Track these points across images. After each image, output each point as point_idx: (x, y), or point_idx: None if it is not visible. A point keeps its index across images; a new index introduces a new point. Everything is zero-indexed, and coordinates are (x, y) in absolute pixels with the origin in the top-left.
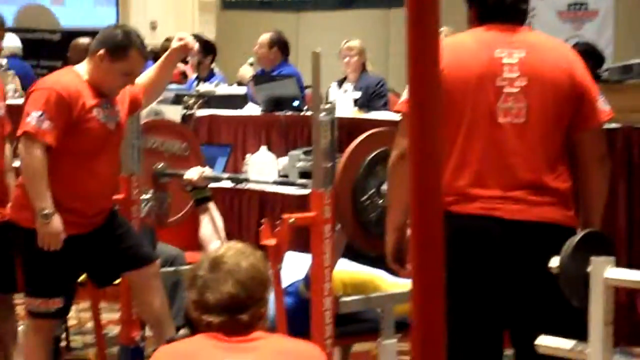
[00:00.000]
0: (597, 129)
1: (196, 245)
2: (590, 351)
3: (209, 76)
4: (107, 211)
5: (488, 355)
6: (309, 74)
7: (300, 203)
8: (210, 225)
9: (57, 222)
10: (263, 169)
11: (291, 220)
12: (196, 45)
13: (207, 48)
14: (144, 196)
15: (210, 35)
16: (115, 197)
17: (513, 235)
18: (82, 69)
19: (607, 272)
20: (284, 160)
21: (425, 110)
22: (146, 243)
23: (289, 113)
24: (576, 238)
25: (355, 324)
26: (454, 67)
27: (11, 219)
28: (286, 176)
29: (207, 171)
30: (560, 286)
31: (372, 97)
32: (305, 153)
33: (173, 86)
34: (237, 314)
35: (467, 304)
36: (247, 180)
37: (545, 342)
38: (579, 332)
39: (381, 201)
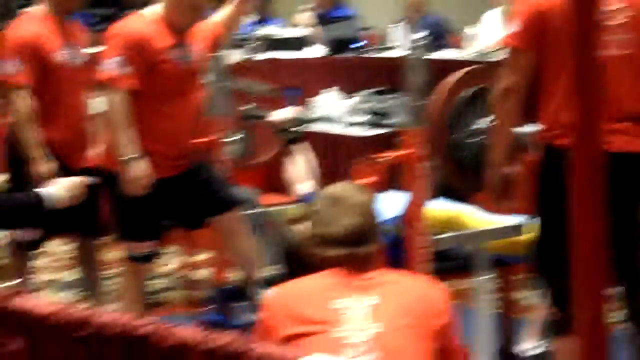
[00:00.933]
0: None
1: (270, 187)
2: None
3: (265, 19)
4: (190, 154)
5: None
6: (368, 16)
7: (369, 145)
8: (299, 166)
9: (142, 166)
10: (330, 111)
11: (384, 158)
12: None
13: None
14: (233, 137)
15: None
16: (203, 139)
17: (620, 168)
18: (158, 9)
19: None
20: (351, 102)
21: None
22: (230, 187)
23: (351, 55)
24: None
25: (448, 261)
26: (558, 3)
27: (102, 164)
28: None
29: (297, 112)
30: None
31: (433, 38)
32: (373, 94)
33: None
34: (360, 246)
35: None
36: (338, 121)
37: None
38: None
39: (476, 139)
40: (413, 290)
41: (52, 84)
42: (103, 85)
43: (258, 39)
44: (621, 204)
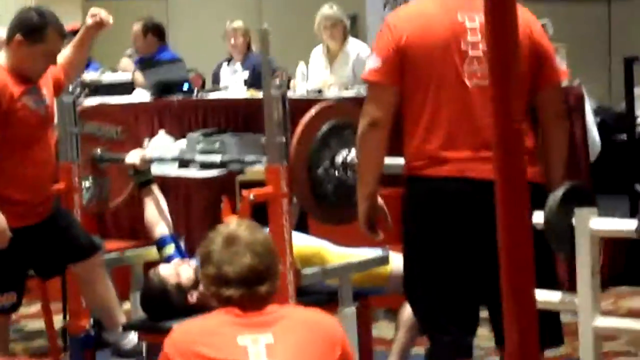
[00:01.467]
0: (557, 87)
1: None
2: (579, 301)
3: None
4: (51, 200)
5: (465, 316)
6: (187, 58)
7: (204, 186)
8: (156, 208)
9: (1, 219)
10: (164, 153)
11: (251, 197)
12: (110, 20)
13: None
14: (85, 184)
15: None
16: (56, 186)
17: (484, 195)
18: (1, 58)
19: (591, 222)
20: (182, 144)
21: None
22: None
23: (180, 97)
24: (560, 192)
25: (312, 295)
26: (417, 34)
27: None
28: (185, 160)
29: (148, 154)
30: (548, 240)
31: (260, 77)
32: (204, 135)
33: None
34: (257, 285)
35: (443, 264)
36: (192, 160)
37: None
38: (552, 285)
39: (336, 173)
40: (307, 324)
41: None
42: None
43: (85, 84)
44: (486, 230)
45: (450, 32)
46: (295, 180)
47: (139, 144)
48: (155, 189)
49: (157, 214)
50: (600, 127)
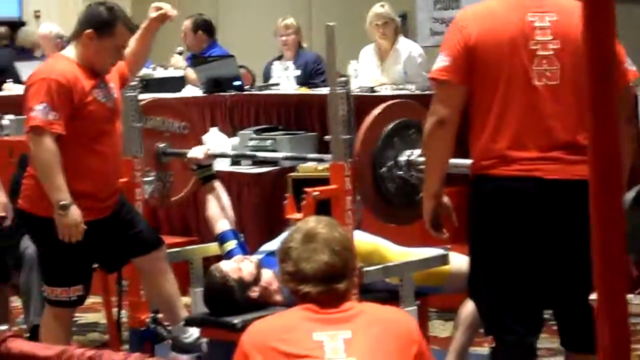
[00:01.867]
0: (625, 89)
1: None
2: None
3: None
4: (117, 194)
5: (530, 317)
6: (238, 54)
7: (255, 182)
8: (218, 203)
9: (75, 212)
10: (216, 149)
11: (315, 194)
12: (174, 12)
13: None
14: (147, 177)
15: None
16: (122, 179)
17: (551, 194)
18: (71, 53)
19: None
20: (234, 141)
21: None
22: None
23: (232, 93)
24: (631, 194)
25: (372, 294)
26: (486, 33)
27: (24, 209)
28: (239, 156)
29: (211, 149)
30: None
31: (311, 74)
32: (256, 132)
33: None
34: (334, 283)
35: (510, 264)
36: (254, 156)
37: None
38: None
39: (400, 172)
40: (384, 321)
41: None
42: (30, 133)
43: (138, 79)
44: (553, 229)
45: (519, 31)
46: (359, 179)
47: (201, 139)
48: (217, 184)
49: (219, 210)
50: None
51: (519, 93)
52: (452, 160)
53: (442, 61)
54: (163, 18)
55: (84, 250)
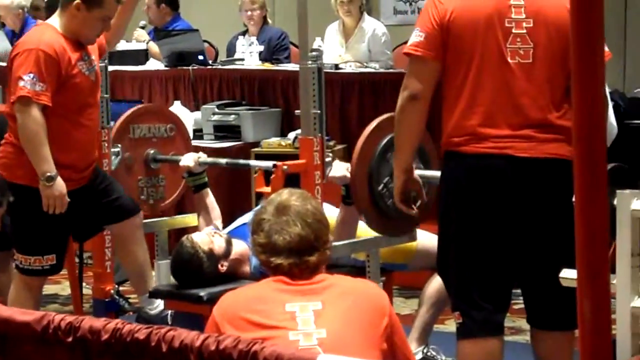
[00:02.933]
0: None
1: None
2: (618, 282)
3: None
4: (93, 164)
5: (498, 294)
6: (200, 29)
7: (220, 155)
8: (211, 214)
9: (60, 183)
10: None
11: (285, 167)
12: None
13: None
14: (114, 149)
15: None
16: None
17: (522, 172)
18: (56, 23)
19: (633, 204)
20: (197, 115)
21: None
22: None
23: (196, 67)
24: None
25: (339, 268)
26: (463, 9)
27: (1, 176)
28: (200, 130)
29: (203, 156)
30: None
31: (275, 50)
32: (219, 107)
33: None
34: (306, 255)
35: (480, 241)
36: (247, 165)
37: (569, 274)
38: None
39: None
40: (355, 293)
41: None
42: (17, 103)
43: None
44: (524, 207)
45: (495, 9)
46: (356, 197)
47: (189, 141)
48: (209, 193)
49: (211, 220)
50: (615, 112)
51: (492, 70)
52: (421, 172)
53: (416, 36)
54: None
55: (60, 220)
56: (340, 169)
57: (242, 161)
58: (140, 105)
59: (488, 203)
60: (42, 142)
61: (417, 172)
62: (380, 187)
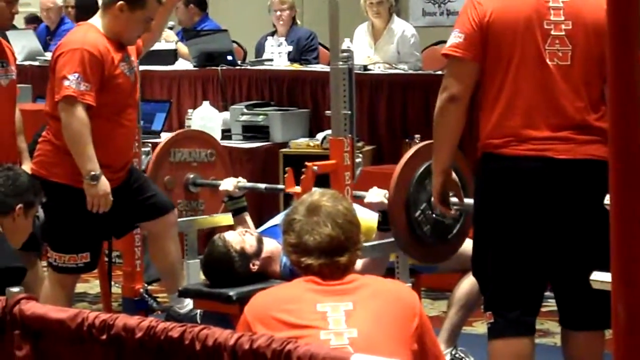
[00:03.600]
0: None
1: None
2: None
3: None
4: (130, 164)
5: (532, 295)
6: (229, 29)
7: (247, 157)
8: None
9: (105, 182)
10: (206, 124)
11: (315, 168)
12: None
13: None
14: (145, 148)
15: None
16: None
17: (562, 173)
18: (98, 23)
19: None
20: (225, 115)
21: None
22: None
23: (224, 67)
24: None
25: None
26: (502, 11)
27: (39, 175)
28: (229, 131)
29: (242, 181)
30: None
31: (304, 51)
32: (248, 107)
33: None
34: (336, 256)
35: (517, 243)
36: (282, 190)
37: (600, 277)
38: None
39: (434, 214)
40: (386, 293)
41: None
42: (62, 102)
43: None
44: (564, 209)
45: (534, 11)
46: (393, 224)
47: (229, 167)
48: (247, 217)
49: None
50: None
51: (532, 72)
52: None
53: (455, 37)
54: None
55: (96, 218)
56: (377, 195)
57: (279, 186)
58: (180, 131)
59: (527, 206)
60: (87, 141)
61: (455, 200)
62: (417, 214)
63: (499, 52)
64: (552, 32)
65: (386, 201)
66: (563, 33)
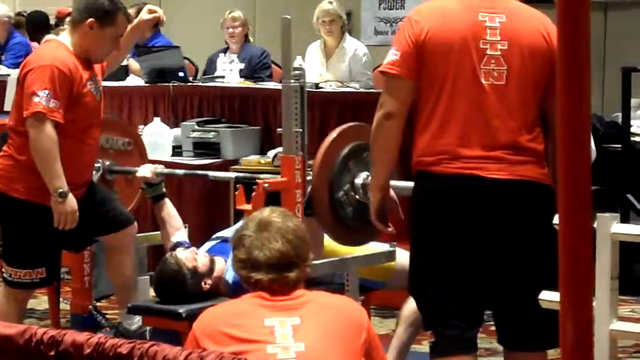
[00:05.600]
0: None
1: None
2: (597, 304)
3: None
4: (89, 182)
5: (470, 311)
6: (180, 46)
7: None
8: (173, 223)
9: (72, 199)
10: (157, 140)
11: (265, 185)
12: (164, 19)
13: None
14: (96, 163)
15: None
16: None
17: (493, 193)
18: (66, 40)
19: (613, 227)
20: (176, 132)
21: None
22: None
23: (176, 84)
24: None
25: (320, 286)
26: (439, 29)
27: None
28: (179, 147)
29: (159, 167)
30: None
31: (256, 68)
32: (199, 124)
33: None
34: (286, 271)
35: (451, 260)
36: (206, 175)
37: (548, 296)
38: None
39: (357, 196)
40: (333, 308)
41: None
42: (31, 119)
43: None
44: (494, 228)
45: (470, 31)
46: (316, 205)
47: (146, 159)
48: (168, 203)
49: (172, 229)
50: (593, 135)
51: (466, 91)
52: (395, 183)
53: (392, 55)
54: (154, 21)
55: (54, 234)
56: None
57: (199, 172)
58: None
59: (458, 223)
60: (56, 158)
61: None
62: (340, 194)
63: (434, 70)
64: (488, 52)
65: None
66: (499, 53)
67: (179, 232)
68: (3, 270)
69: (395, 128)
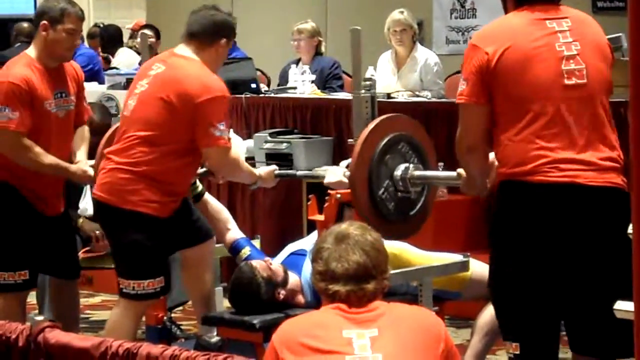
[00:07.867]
0: None
1: None
2: None
3: None
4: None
5: (551, 324)
6: (253, 57)
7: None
8: (221, 217)
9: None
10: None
11: (338, 196)
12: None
13: (157, 32)
14: None
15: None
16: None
17: (588, 201)
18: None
19: None
20: (249, 143)
21: None
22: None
23: (249, 95)
24: None
25: (393, 296)
26: (509, 47)
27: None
28: (252, 158)
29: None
30: None
31: (327, 79)
32: (271, 135)
33: (124, 70)
34: (363, 283)
35: (537, 272)
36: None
37: (623, 306)
38: None
39: (398, 191)
40: (411, 319)
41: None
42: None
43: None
44: (587, 235)
45: (543, 39)
46: (356, 201)
47: None
48: (210, 198)
49: (223, 224)
50: None
51: (553, 95)
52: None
53: (461, 85)
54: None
55: (166, 242)
56: (336, 174)
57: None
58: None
59: (554, 232)
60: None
61: (417, 173)
62: (381, 192)
63: (514, 86)
64: (565, 53)
65: (345, 180)
66: (575, 52)
67: (230, 223)
68: (122, 286)
69: (478, 159)
